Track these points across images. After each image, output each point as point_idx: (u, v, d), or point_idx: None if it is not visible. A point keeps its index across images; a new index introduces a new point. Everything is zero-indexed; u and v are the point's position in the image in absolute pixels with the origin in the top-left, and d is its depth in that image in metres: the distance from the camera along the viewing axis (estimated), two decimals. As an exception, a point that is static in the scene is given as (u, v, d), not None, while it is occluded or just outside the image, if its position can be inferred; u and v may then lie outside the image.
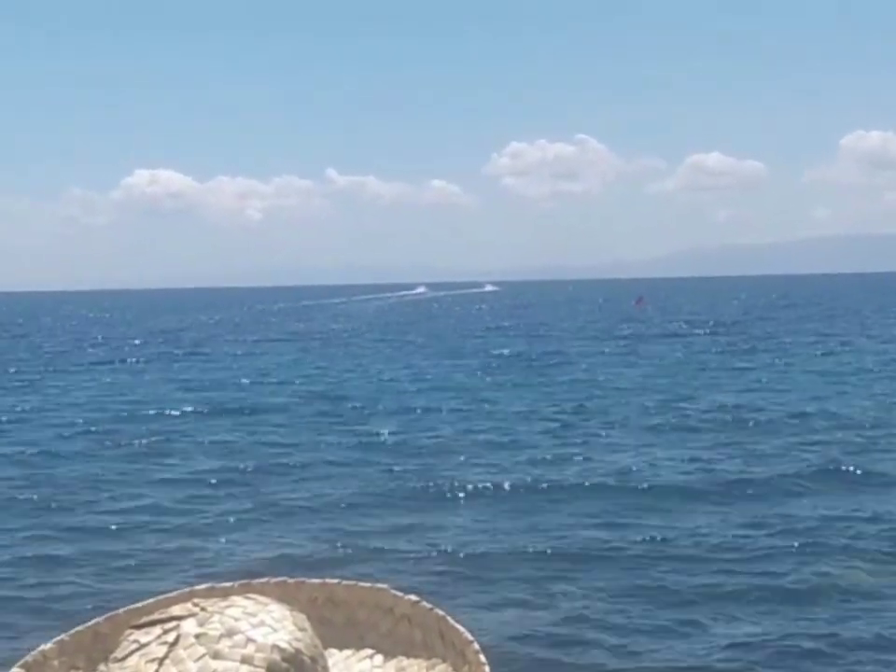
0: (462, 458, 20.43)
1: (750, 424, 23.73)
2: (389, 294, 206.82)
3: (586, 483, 17.54)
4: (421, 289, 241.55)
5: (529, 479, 17.88)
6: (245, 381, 37.32)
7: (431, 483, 17.77)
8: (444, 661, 1.76)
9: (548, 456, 20.14)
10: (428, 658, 1.79)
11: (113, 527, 15.35)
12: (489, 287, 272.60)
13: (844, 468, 18.14)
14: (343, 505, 16.64)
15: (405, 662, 1.81)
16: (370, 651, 1.85)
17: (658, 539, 13.95)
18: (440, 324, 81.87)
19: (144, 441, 22.84)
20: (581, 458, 19.94)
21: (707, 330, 62.28)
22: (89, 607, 10.48)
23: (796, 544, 13.47)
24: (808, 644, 10.19)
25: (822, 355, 42.88)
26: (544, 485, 17.40)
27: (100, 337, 70.61)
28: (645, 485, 17.26)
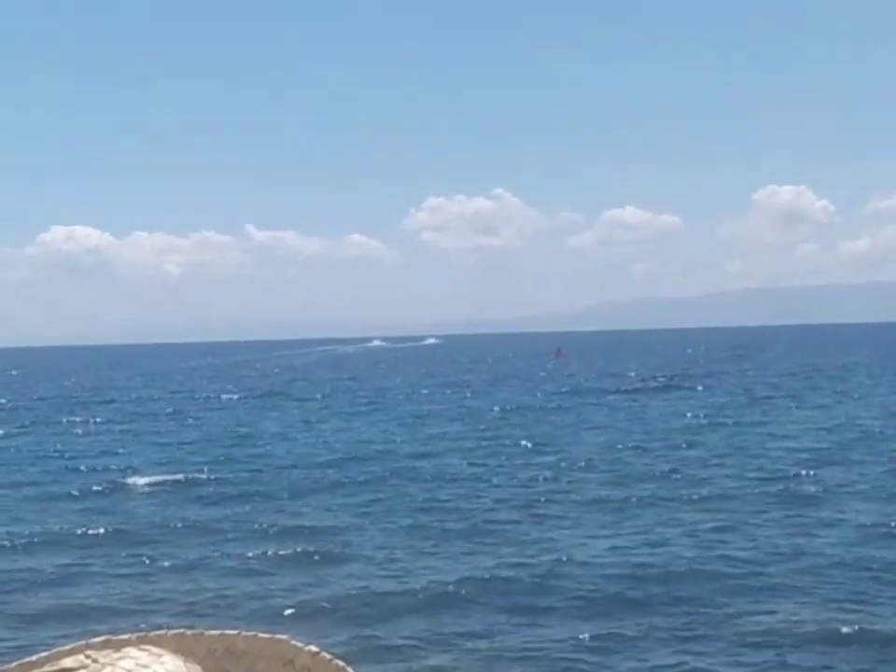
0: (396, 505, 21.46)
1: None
2: (331, 347, 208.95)
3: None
4: (377, 342, 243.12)
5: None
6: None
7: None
8: None
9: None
10: None
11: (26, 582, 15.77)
12: (431, 340, 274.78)
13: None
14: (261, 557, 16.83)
15: None
16: None
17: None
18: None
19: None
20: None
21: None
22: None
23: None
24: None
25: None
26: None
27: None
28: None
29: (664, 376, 69.44)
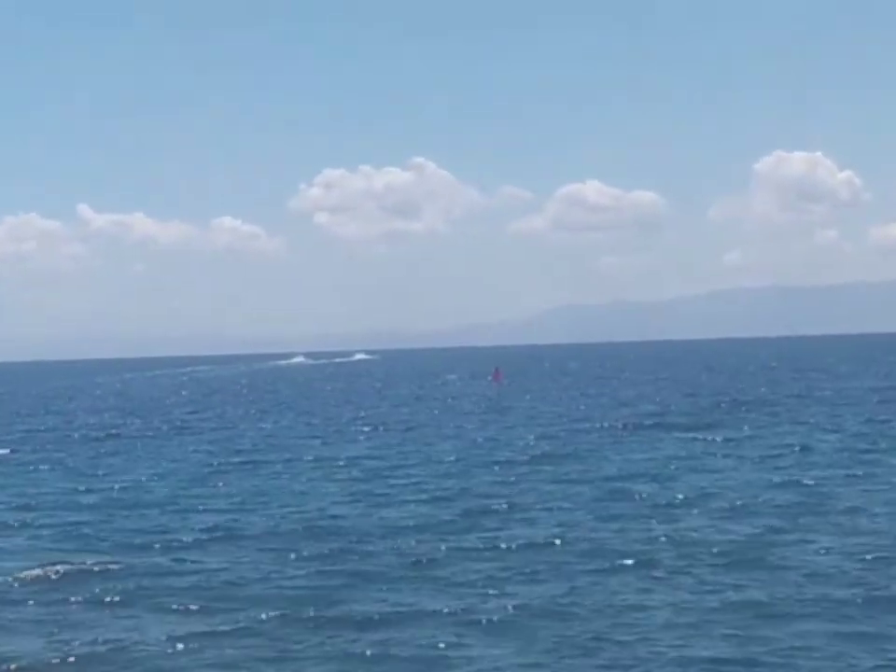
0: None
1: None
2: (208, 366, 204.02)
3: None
4: (300, 359, 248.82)
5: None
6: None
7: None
8: None
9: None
10: None
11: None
12: (361, 356, 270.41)
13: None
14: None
15: None
16: None
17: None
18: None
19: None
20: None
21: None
22: None
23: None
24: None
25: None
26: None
27: None
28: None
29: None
